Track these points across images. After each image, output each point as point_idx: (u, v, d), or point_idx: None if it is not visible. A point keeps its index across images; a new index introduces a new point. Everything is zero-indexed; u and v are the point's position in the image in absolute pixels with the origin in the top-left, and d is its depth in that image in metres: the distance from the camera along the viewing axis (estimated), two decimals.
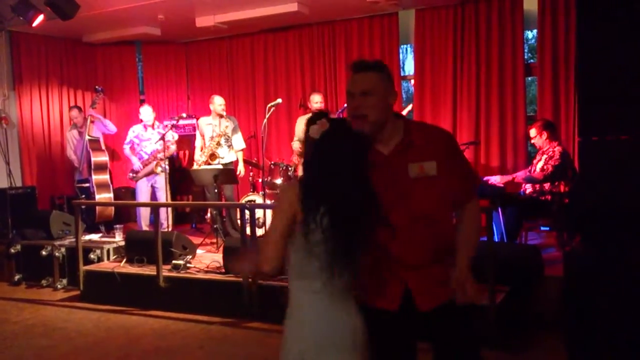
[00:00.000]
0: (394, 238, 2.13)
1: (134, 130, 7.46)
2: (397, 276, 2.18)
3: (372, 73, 2.23)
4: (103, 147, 7.83)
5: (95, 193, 7.53)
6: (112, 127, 8.03)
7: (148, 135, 7.38)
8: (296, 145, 6.80)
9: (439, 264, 2.23)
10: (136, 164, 7.31)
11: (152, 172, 7.26)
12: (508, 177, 5.55)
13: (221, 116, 7.00)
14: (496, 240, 5.09)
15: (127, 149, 7.49)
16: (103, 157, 7.72)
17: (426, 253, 2.19)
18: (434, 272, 2.22)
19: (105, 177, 7.69)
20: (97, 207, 7.57)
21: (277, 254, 2.07)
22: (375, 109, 2.18)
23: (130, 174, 7.39)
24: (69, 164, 8.55)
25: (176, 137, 7.61)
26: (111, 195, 7.70)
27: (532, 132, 5.50)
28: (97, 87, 7.98)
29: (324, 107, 6.51)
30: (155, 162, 7.22)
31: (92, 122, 7.74)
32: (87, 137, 7.62)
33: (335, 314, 2.06)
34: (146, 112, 7.42)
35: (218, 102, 7.03)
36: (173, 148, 7.55)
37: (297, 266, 2.09)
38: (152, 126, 7.44)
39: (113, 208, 7.85)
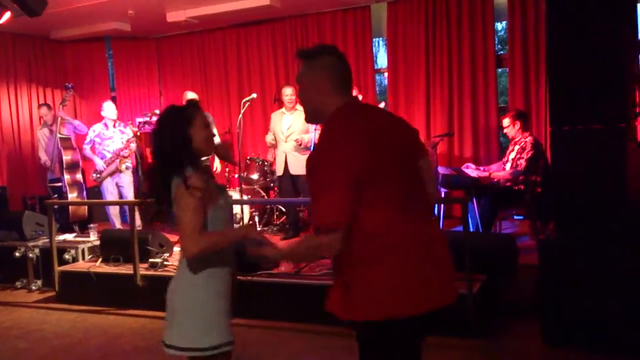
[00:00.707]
0: None
1: (95, 130, 7.25)
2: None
3: (303, 61, 2.14)
4: (74, 146, 7.65)
5: (68, 192, 7.36)
6: (82, 128, 7.77)
7: (110, 134, 7.19)
8: (269, 138, 6.80)
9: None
10: (99, 164, 7.10)
11: (116, 171, 7.11)
12: (484, 173, 5.58)
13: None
14: (471, 230, 5.17)
15: (87, 149, 7.25)
16: (75, 156, 7.57)
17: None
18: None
19: (77, 176, 7.54)
20: (70, 207, 7.43)
21: None
22: (301, 99, 2.20)
23: (94, 175, 7.16)
24: (41, 163, 8.41)
25: (131, 134, 7.31)
26: (84, 194, 7.57)
27: (506, 121, 5.58)
28: (66, 84, 7.80)
29: (295, 99, 6.52)
30: (119, 160, 7.08)
31: (61, 123, 7.57)
32: (58, 136, 7.47)
33: None
34: (109, 109, 7.24)
35: (189, 97, 6.97)
36: (133, 146, 7.34)
37: None
38: (114, 124, 7.28)
39: (86, 207, 7.72)
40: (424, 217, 2.10)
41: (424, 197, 2.14)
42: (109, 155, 7.13)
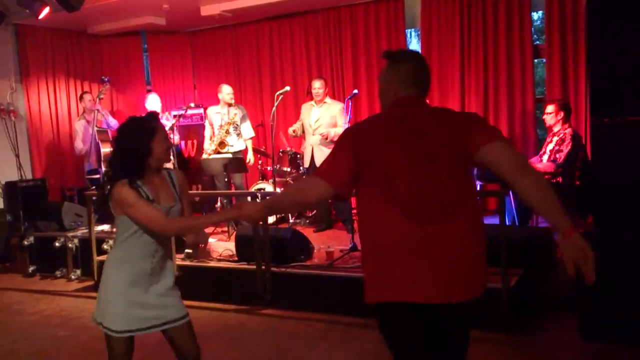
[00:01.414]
0: None
1: None
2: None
3: (387, 62, 2.31)
4: (111, 139, 7.79)
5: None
6: (113, 124, 7.85)
7: None
8: (292, 128, 6.83)
9: None
10: None
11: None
12: None
13: (229, 105, 7.01)
14: (508, 223, 5.10)
15: None
16: (111, 149, 7.67)
17: None
18: None
19: None
20: None
21: None
22: (380, 96, 2.36)
23: None
24: (79, 155, 8.59)
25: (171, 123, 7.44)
26: None
27: (550, 108, 5.46)
28: (103, 77, 7.91)
29: (324, 92, 6.51)
30: None
31: (98, 116, 7.68)
32: (95, 128, 7.61)
33: None
34: (153, 102, 7.36)
35: (226, 91, 7.04)
36: (176, 138, 7.41)
37: None
38: (159, 117, 7.36)
39: None
40: (437, 215, 2.07)
41: (446, 194, 2.08)
42: None
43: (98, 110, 7.68)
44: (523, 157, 2.14)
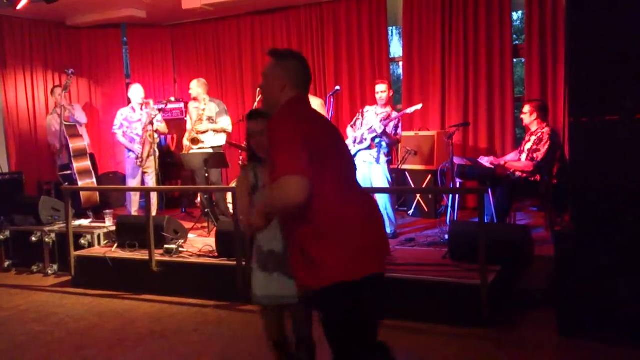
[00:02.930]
0: None
1: (122, 113, 7.21)
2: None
3: (272, 59, 2.49)
4: (80, 133, 7.53)
5: (78, 180, 7.32)
6: (81, 119, 7.70)
7: (137, 117, 7.17)
8: None
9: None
10: (138, 149, 7.09)
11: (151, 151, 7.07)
12: (498, 160, 5.57)
13: (196, 100, 6.95)
14: (486, 221, 5.15)
15: (119, 134, 7.15)
16: (81, 143, 7.44)
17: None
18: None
19: (86, 163, 7.43)
20: (82, 194, 7.39)
21: None
22: (263, 90, 2.56)
23: (137, 162, 7.10)
24: (53, 150, 8.49)
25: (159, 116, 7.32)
26: (94, 180, 7.48)
27: (526, 108, 5.54)
28: (66, 69, 7.54)
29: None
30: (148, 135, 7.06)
31: (64, 110, 7.48)
32: (64, 124, 7.40)
33: None
34: (135, 91, 7.23)
35: (191, 87, 7.00)
36: (163, 125, 7.36)
37: None
38: (141, 107, 7.27)
39: (98, 194, 7.68)
40: (366, 194, 2.54)
41: (357, 182, 2.52)
42: (137, 139, 7.12)
43: (63, 105, 7.48)
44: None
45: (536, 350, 3.74)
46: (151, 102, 7.52)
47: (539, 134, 5.40)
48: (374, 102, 5.97)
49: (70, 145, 7.35)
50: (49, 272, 6.08)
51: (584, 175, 3.92)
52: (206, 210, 6.54)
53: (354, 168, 2.54)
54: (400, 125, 5.84)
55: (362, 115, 5.94)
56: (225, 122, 7.00)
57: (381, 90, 5.84)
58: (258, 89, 6.56)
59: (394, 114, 5.82)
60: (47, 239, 6.07)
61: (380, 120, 5.69)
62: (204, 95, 6.95)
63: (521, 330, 4.04)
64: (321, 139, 2.31)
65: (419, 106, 5.86)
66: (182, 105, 8.47)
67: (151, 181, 7.17)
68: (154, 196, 6.59)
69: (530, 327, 4.08)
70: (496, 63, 7.02)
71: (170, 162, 8.67)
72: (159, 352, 3.97)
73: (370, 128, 5.69)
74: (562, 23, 6.39)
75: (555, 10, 6.62)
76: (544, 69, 6.79)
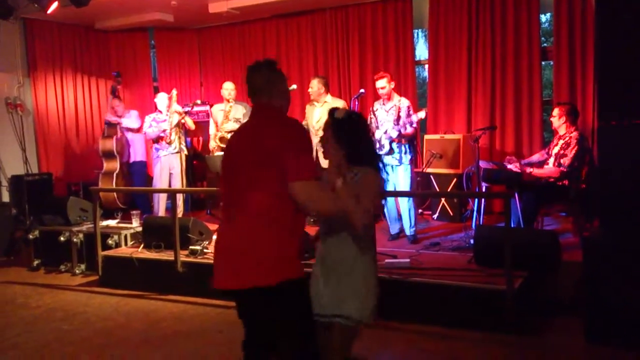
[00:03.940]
0: None
1: (150, 116, 7.40)
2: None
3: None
4: (119, 135, 7.76)
5: (99, 180, 7.65)
6: (131, 125, 7.89)
7: (163, 117, 7.32)
8: None
9: None
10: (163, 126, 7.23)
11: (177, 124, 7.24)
12: (525, 168, 5.45)
13: (228, 101, 7.02)
14: (513, 225, 5.08)
15: (149, 132, 7.29)
16: (110, 145, 7.68)
17: None
18: None
19: (113, 164, 7.69)
20: (102, 195, 7.54)
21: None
22: None
23: (163, 134, 7.22)
24: (84, 150, 8.65)
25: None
26: (112, 184, 7.71)
27: (555, 111, 5.45)
28: (114, 72, 7.88)
29: (319, 92, 6.44)
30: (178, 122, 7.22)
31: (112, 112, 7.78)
32: (106, 121, 7.76)
33: None
34: (162, 99, 7.43)
35: (225, 87, 7.08)
36: (190, 121, 7.44)
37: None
38: (167, 110, 7.39)
39: (117, 199, 7.77)
40: None
41: None
42: (164, 134, 7.26)
43: (113, 107, 7.80)
44: None
45: (562, 358, 3.68)
46: (174, 93, 7.58)
47: (567, 139, 5.31)
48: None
49: (100, 145, 7.59)
50: (77, 271, 6.17)
51: (613, 179, 3.85)
52: None
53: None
54: (411, 112, 5.74)
55: (374, 115, 5.89)
56: None
57: (381, 86, 5.81)
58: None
59: (403, 103, 5.74)
60: (75, 239, 6.17)
61: (393, 121, 5.66)
62: (233, 97, 7.06)
63: (547, 337, 3.98)
64: None
65: (423, 113, 5.73)
66: (208, 107, 8.53)
67: (177, 184, 7.26)
68: (179, 198, 6.67)
69: (557, 334, 4.01)
70: (524, 65, 6.94)
71: (196, 165, 8.75)
72: (184, 353, 4.00)
73: (386, 133, 5.67)
74: (591, 25, 6.30)
75: (584, 12, 6.51)
76: (572, 72, 6.68)
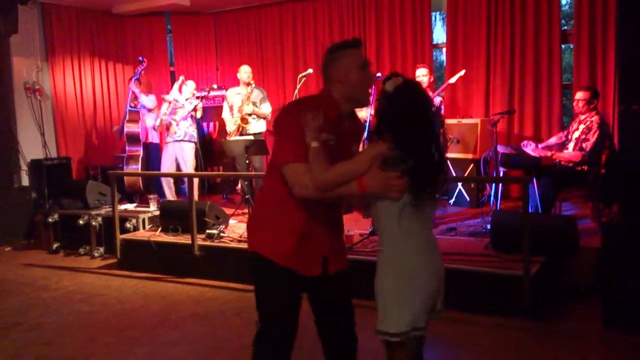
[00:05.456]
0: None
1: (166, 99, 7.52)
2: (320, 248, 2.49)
3: None
4: (139, 119, 7.90)
5: (124, 164, 7.73)
6: (147, 103, 8.04)
7: (180, 105, 7.42)
8: None
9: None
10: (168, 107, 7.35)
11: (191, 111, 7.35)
12: (544, 153, 5.41)
13: (248, 84, 7.05)
14: (530, 210, 5.05)
15: (166, 118, 7.40)
16: (135, 129, 7.83)
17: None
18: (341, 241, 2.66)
19: (136, 148, 7.80)
20: (126, 178, 7.67)
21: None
22: None
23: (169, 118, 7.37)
24: (102, 134, 8.72)
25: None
26: (138, 167, 7.80)
27: (580, 94, 5.38)
28: (140, 57, 7.96)
29: None
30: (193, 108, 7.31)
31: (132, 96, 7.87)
32: (127, 109, 7.83)
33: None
34: (175, 90, 7.51)
35: (244, 70, 7.14)
36: (200, 105, 7.56)
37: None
38: (180, 88, 7.49)
39: (141, 182, 7.89)
40: None
41: None
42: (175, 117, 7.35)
43: (133, 92, 7.90)
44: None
45: (579, 343, 3.66)
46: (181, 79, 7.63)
47: (588, 123, 5.25)
48: None
49: (125, 130, 7.71)
50: (96, 254, 6.25)
51: (634, 164, 3.80)
52: (247, 197, 6.60)
53: None
54: (442, 107, 5.68)
55: None
56: (268, 109, 7.17)
57: (422, 74, 5.71)
58: (299, 77, 6.56)
59: (437, 100, 5.71)
60: (93, 223, 6.24)
61: None
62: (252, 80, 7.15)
63: (564, 323, 3.96)
64: None
65: (462, 72, 5.64)
66: (224, 92, 8.54)
67: (187, 167, 7.32)
68: (195, 182, 6.72)
69: (574, 319, 4.00)
70: (544, 49, 6.83)
71: (212, 149, 8.78)
72: (201, 334, 4.04)
73: None
74: (613, 7, 6.18)
75: None
76: (593, 55, 6.58)
